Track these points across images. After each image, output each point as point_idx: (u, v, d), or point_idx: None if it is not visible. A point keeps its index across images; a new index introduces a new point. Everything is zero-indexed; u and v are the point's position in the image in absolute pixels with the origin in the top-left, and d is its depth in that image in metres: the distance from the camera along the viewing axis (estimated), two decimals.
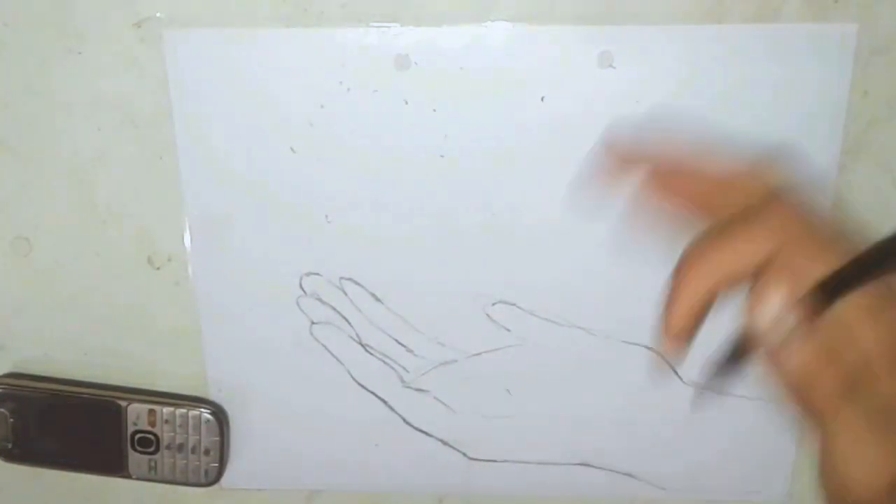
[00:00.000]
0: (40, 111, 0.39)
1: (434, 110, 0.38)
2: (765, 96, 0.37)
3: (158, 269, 0.42)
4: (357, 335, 0.42)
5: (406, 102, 0.38)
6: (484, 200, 0.40)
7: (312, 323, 0.42)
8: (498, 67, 0.37)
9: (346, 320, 0.42)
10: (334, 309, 0.42)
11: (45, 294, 0.43)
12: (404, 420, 0.43)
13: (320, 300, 0.42)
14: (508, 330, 0.42)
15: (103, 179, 0.40)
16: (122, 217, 0.41)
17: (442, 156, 0.39)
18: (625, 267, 0.40)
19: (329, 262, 0.41)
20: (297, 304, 0.42)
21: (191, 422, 0.42)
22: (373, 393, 0.43)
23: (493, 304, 0.41)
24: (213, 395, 0.44)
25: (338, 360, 0.43)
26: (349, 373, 0.43)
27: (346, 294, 0.42)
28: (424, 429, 0.44)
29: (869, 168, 0.38)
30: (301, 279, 0.42)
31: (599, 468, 0.44)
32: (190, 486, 0.44)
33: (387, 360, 0.42)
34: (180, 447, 0.43)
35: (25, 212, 0.41)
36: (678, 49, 0.37)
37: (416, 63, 0.38)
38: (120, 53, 0.38)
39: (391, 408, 0.43)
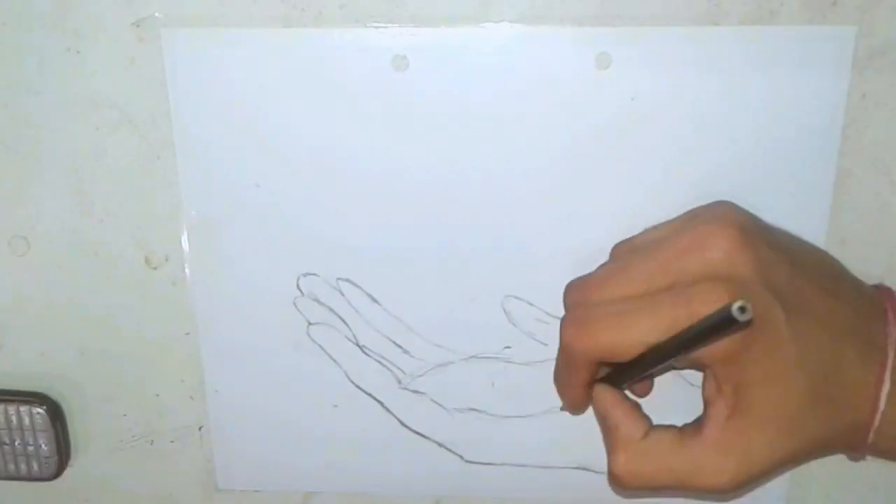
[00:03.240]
0: (38, 110, 0.39)
1: (432, 111, 0.38)
2: (762, 99, 0.37)
3: (155, 269, 0.42)
4: (354, 336, 0.42)
5: (404, 103, 0.38)
6: (482, 202, 0.40)
7: (309, 324, 0.42)
8: (495, 69, 0.37)
9: (344, 321, 0.42)
10: (331, 310, 0.42)
11: (41, 293, 0.43)
12: (401, 422, 0.43)
13: (317, 301, 0.42)
14: (506, 332, 0.41)
15: (101, 179, 0.40)
16: (119, 217, 0.41)
17: (440, 157, 0.39)
18: None
19: (326, 263, 0.41)
20: (295, 304, 0.42)
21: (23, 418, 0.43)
22: (369, 394, 0.43)
23: (491, 307, 0.41)
24: (209, 396, 0.44)
25: (334, 361, 0.43)
26: (346, 374, 0.43)
27: (343, 295, 0.42)
28: (421, 431, 0.43)
29: (867, 171, 0.38)
30: (298, 280, 0.41)
31: (597, 472, 0.44)
32: (34, 480, 0.45)
33: (384, 361, 0.42)
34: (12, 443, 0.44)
35: (23, 211, 0.41)
36: (676, 51, 0.37)
37: (413, 64, 0.38)
38: (118, 53, 0.38)
39: (387, 409, 0.43)
